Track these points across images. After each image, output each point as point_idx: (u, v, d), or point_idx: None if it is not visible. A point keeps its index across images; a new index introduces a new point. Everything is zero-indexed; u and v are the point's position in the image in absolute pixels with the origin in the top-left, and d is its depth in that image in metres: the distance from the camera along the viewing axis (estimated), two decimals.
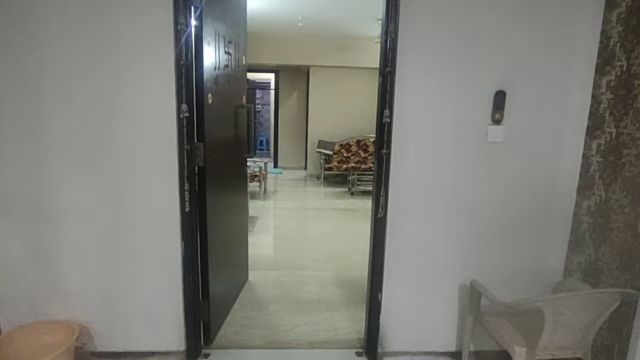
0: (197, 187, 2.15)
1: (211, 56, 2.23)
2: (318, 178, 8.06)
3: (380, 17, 2.04)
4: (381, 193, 2.06)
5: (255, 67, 8.85)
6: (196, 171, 2.16)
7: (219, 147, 2.45)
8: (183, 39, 1.90)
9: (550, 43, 1.98)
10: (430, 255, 2.18)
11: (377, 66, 2.07)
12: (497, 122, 2.02)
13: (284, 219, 5.35)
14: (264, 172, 6.43)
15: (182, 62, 1.90)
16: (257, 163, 6.76)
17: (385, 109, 1.98)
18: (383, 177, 2.05)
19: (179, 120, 1.94)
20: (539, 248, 2.18)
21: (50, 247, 2.06)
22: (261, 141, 12.88)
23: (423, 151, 2.06)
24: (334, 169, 7.46)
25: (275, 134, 9.39)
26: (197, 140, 2.14)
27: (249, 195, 5.22)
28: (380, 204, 2.07)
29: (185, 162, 1.99)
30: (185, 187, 2.00)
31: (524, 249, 2.18)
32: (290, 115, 9.23)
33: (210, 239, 2.30)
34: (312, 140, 8.15)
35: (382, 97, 2.01)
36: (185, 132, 1.96)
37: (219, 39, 2.34)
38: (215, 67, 2.30)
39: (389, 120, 2.00)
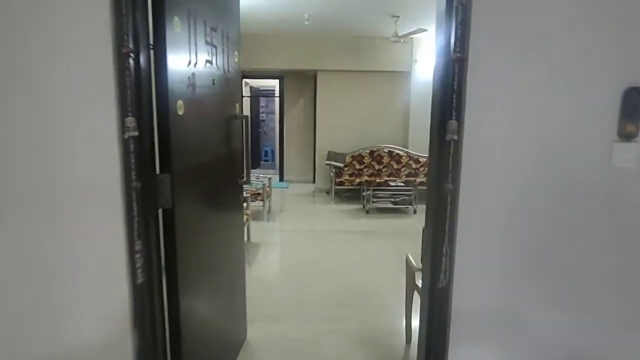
0: (160, 242, 1.43)
1: (182, 46, 1.52)
2: (328, 193, 7.32)
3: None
4: (444, 252, 1.31)
5: (258, 72, 8.19)
6: (160, 217, 1.44)
7: (197, 177, 1.72)
8: (130, 15, 1.19)
9: None
10: (520, 341, 1.42)
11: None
12: (628, 137, 1.28)
13: (290, 245, 4.62)
14: (267, 189, 5.72)
15: (124, 50, 1.18)
16: (261, 179, 6.04)
17: (451, 118, 1.25)
18: (447, 228, 1.31)
19: (123, 144, 1.22)
20: None
21: None
22: (266, 152, 12.21)
23: (508, 184, 1.32)
24: (346, 183, 6.72)
25: (280, 145, 8.69)
26: (161, 171, 1.42)
27: (250, 218, 4.49)
28: (443, 268, 1.33)
29: (135, 208, 1.27)
30: (137, 247, 1.28)
31: None
32: (296, 125, 8.53)
33: (185, 313, 1.57)
34: (321, 151, 7.43)
35: (442, 100, 1.28)
36: (133, 161, 1.24)
37: (195, 23, 1.63)
38: (189, 63, 1.59)
39: (455, 138, 1.27)
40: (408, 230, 5.14)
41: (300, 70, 7.37)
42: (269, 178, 5.93)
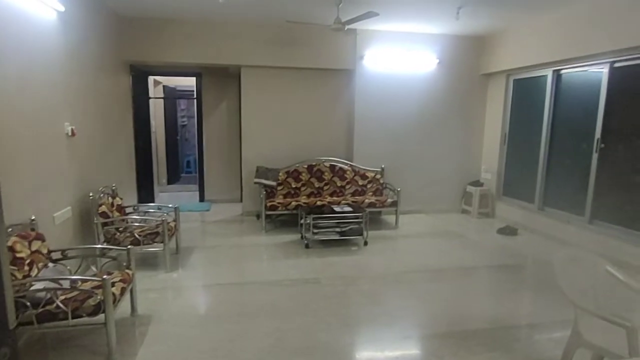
0: None
1: None
2: (258, 217, 5.94)
3: None
4: None
5: (170, 69, 6.58)
6: None
7: None
8: None
9: None
10: None
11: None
12: None
13: (198, 318, 3.17)
14: (172, 223, 4.20)
15: None
16: (164, 210, 4.50)
17: None
18: None
19: None
20: None
21: None
22: (188, 162, 10.49)
23: None
24: (279, 208, 5.38)
25: (199, 157, 7.12)
26: None
27: (131, 281, 2.99)
28: None
29: None
30: None
31: None
32: (218, 132, 7.02)
33: None
34: (248, 165, 6.03)
35: None
36: None
37: None
38: None
39: None
40: (362, 275, 3.93)
41: (220, 65, 5.91)
42: (176, 207, 4.41)
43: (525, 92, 5.83)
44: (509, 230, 5.43)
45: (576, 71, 4.93)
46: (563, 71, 5.11)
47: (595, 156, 4.61)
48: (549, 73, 5.25)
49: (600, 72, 4.55)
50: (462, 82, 6.27)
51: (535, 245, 4.98)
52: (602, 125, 4.52)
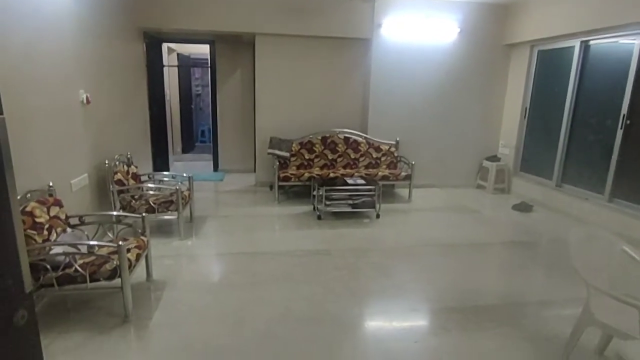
0: None
1: None
2: (271, 187, 5.97)
3: None
4: None
5: (183, 35, 6.49)
6: None
7: None
8: None
9: None
10: None
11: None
12: None
13: (210, 286, 3.25)
14: (186, 192, 4.25)
15: None
16: (178, 178, 4.55)
17: None
18: None
19: None
20: None
21: None
22: (202, 131, 10.53)
23: None
24: (292, 179, 5.38)
25: (213, 127, 7.12)
26: None
27: (146, 248, 3.06)
28: None
29: None
30: None
31: None
32: (232, 102, 6.98)
33: None
34: (262, 135, 6.01)
35: None
36: None
37: None
38: None
39: None
40: (373, 248, 3.95)
41: (234, 33, 5.79)
42: (190, 177, 4.46)
43: (549, 64, 5.59)
44: (524, 207, 5.35)
45: (605, 42, 4.69)
46: (592, 42, 4.86)
47: (619, 133, 4.44)
48: (576, 44, 5.00)
49: (631, 43, 4.31)
50: (484, 53, 6.05)
51: (551, 223, 4.91)
52: (629, 101, 4.33)
